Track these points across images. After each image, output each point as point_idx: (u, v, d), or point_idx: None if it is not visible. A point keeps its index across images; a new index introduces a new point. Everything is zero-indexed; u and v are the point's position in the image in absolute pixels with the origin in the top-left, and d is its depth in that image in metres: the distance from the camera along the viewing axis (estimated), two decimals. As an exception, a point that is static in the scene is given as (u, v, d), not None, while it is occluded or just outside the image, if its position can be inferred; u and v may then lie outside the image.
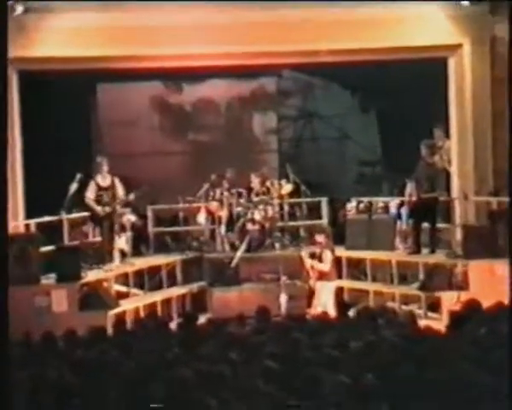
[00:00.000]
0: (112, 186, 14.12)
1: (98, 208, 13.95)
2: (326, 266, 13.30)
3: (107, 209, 13.98)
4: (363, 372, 6.17)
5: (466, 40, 15.13)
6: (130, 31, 14.49)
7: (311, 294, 13.64)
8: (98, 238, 14.44)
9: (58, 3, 14.25)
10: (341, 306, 10.45)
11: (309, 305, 13.57)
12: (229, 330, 8.67)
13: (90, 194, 13.99)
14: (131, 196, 14.38)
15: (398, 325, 8.47)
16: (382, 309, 10.20)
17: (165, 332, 9.14)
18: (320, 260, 13.36)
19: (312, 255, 13.57)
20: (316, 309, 12.79)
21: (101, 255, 14.06)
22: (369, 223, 15.34)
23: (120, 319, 12.60)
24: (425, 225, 14.30)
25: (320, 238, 13.56)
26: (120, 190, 14.19)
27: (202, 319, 11.29)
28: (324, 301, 13.13)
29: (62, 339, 8.68)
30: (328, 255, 13.40)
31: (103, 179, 14.14)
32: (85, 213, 14.57)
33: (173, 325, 11.26)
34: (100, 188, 14.05)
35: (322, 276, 13.33)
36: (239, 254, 14.93)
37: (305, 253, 13.64)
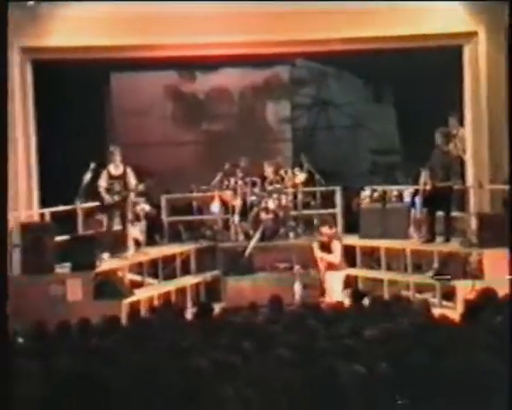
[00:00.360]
0: (123, 175, 14.11)
1: (107, 197, 13.95)
2: (336, 257, 13.33)
3: (116, 198, 13.97)
4: (378, 361, 6.16)
5: (481, 28, 15.06)
6: (143, 20, 14.48)
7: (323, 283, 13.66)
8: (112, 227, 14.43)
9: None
10: (356, 294, 10.37)
11: (322, 294, 13.59)
12: (243, 320, 8.65)
13: (102, 182, 14.00)
14: (141, 186, 14.37)
15: (412, 314, 8.44)
16: (397, 298, 10.19)
17: (181, 321, 9.14)
18: (329, 250, 13.38)
19: (322, 245, 13.58)
20: (329, 298, 12.81)
21: (110, 244, 14.07)
22: (383, 212, 15.31)
23: (135, 307, 12.63)
24: (439, 213, 14.26)
25: (325, 230, 13.60)
26: (132, 180, 14.18)
27: (216, 309, 11.30)
28: (334, 291, 13.15)
29: (77, 328, 8.69)
30: (336, 246, 13.42)
31: (115, 168, 14.14)
32: (98, 203, 14.58)
33: (188, 314, 11.30)
34: (111, 177, 14.06)
35: (331, 266, 13.36)
36: (253, 243, 14.92)
37: (315, 244, 13.62)
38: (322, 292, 13.56)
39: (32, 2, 13.99)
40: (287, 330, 7.73)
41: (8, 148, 13.54)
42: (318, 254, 13.45)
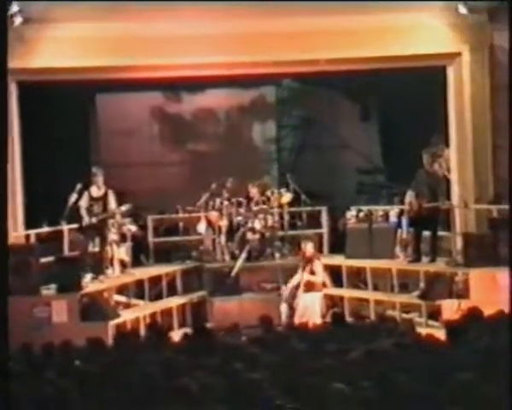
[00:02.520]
0: (104, 197, 14.08)
1: (86, 218, 13.92)
2: (318, 278, 13.43)
3: (94, 220, 13.93)
4: (362, 380, 6.16)
5: (465, 48, 15.13)
6: (129, 41, 14.49)
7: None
8: (97, 249, 14.38)
9: (57, 13, 14.24)
10: (336, 317, 10.41)
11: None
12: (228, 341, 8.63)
13: (83, 203, 13.98)
14: (119, 210, 14.33)
15: (397, 334, 8.44)
16: (382, 318, 10.20)
17: (166, 343, 9.11)
18: (311, 271, 13.46)
19: (303, 265, 13.66)
20: (301, 319, 12.77)
21: (91, 265, 14.02)
22: (370, 232, 15.33)
23: (121, 329, 12.59)
24: (425, 233, 14.29)
25: (309, 247, 13.68)
26: (112, 202, 14.12)
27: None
28: (313, 312, 13.17)
29: (60, 351, 8.65)
30: (318, 266, 13.50)
31: (97, 190, 14.11)
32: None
33: (175, 335, 11.25)
34: (92, 198, 14.03)
35: (310, 287, 13.42)
36: (239, 263, 14.91)
37: (306, 275, 13.68)
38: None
39: (17, 24, 13.98)
40: (272, 350, 7.72)
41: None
42: (304, 276, 13.53)
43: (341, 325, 9.51)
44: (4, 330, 6.79)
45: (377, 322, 9.35)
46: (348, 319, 12.47)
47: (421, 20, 14.83)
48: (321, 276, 13.52)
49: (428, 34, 14.89)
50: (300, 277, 13.61)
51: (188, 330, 10.55)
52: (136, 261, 15.60)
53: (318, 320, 12.63)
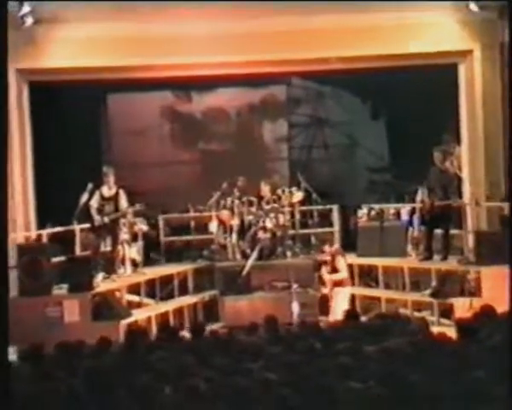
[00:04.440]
0: (115, 197, 14.08)
1: (97, 217, 13.93)
2: (343, 274, 13.48)
3: (106, 219, 13.93)
4: (376, 379, 6.15)
5: (476, 46, 15.11)
6: (139, 41, 14.52)
7: (323, 301, 13.67)
8: (108, 248, 14.40)
9: (68, 14, 14.28)
10: (350, 315, 10.36)
11: (321, 312, 13.60)
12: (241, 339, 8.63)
13: (94, 203, 13.98)
14: (130, 209, 14.34)
15: (410, 333, 8.42)
16: (395, 316, 10.17)
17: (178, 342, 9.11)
18: (333, 268, 13.47)
19: (324, 263, 13.66)
20: (334, 316, 12.79)
21: (103, 265, 14.04)
22: (381, 230, 15.30)
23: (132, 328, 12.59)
24: (436, 231, 14.26)
25: (326, 247, 13.73)
26: (123, 202, 14.12)
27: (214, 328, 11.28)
28: (340, 308, 13.13)
29: (74, 350, 8.65)
30: (341, 262, 13.53)
31: (108, 190, 14.12)
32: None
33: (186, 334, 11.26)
34: (103, 198, 14.04)
35: (337, 283, 13.47)
36: (250, 262, 14.91)
37: (323, 269, 13.68)
38: (322, 311, 13.58)
39: (28, 25, 14.01)
40: (285, 349, 7.72)
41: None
42: (327, 277, 13.58)
43: (354, 322, 9.48)
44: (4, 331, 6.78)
45: (390, 320, 9.31)
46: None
47: (433, 18, 14.82)
48: (344, 271, 13.59)
49: (440, 32, 14.87)
50: (325, 277, 13.69)
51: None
52: (148, 261, 15.61)
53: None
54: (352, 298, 14.65)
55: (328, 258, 13.73)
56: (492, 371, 6.18)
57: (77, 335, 10.31)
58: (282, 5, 14.23)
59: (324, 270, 13.77)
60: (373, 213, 15.98)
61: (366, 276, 15.29)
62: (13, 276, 13.19)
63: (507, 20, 14.32)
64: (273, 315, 9.71)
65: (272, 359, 7.27)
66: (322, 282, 14.04)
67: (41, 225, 14.84)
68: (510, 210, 12.34)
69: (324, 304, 13.95)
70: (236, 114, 19.57)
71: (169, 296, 14.92)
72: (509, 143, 13.07)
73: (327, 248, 13.86)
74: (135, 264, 14.92)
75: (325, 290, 13.84)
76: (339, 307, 13.12)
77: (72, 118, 16.64)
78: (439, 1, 14.48)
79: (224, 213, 15.84)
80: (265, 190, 15.93)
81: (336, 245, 13.94)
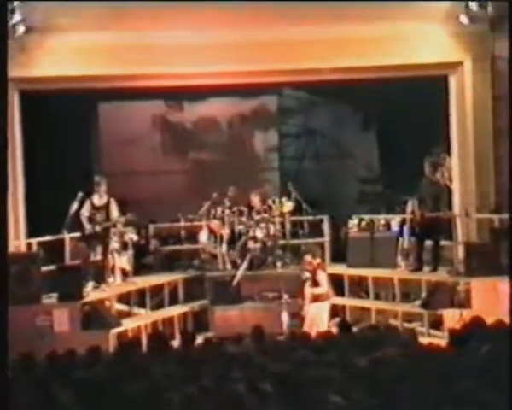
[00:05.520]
0: (106, 206, 14.08)
1: (88, 226, 13.93)
2: (323, 289, 13.42)
3: (98, 228, 13.93)
4: (366, 391, 6.16)
5: (467, 58, 15.15)
6: (131, 50, 14.51)
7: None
8: (98, 257, 14.37)
9: (59, 23, 14.27)
10: (343, 326, 10.33)
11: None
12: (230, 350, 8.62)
13: (85, 212, 13.99)
14: (121, 219, 14.34)
15: (399, 344, 8.43)
16: (385, 327, 10.19)
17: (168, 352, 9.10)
18: (314, 282, 13.44)
19: (308, 278, 13.64)
20: (310, 329, 12.69)
21: (93, 274, 14.02)
22: (371, 240, 15.32)
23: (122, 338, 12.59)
24: (427, 242, 14.28)
25: (308, 258, 13.67)
26: (115, 211, 14.13)
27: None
28: (320, 322, 13.14)
29: (63, 360, 8.63)
30: (322, 277, 13.49)
31: (99, 199, 14.13)
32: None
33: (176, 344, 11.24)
34: (94, 207, 14.04)
35: (316, 298, 13.41)
36: (240, 272, 14.91)
37: (307, 283, 13.64)
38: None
39: (19, 33, 14.00)
40: (273, 360, 7.71)
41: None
42: (308, 290, 13.53)
43: (344, 333, 9.48)
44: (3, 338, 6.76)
45: (380, 331, 9.33)
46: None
47: (423, 30, 14.85)
48: (325, 286, 13.52)
49: (430, 43, 14.91)
50: (305, 290, 13.62)
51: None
52: (138, 270, 15.59)
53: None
54: (343, 309, 14.68)
55: (310, 269, 13.66)
56: (484, 381, 6.20)
57: (66, 344, 10.30)
58: (275, 15, 14.25)
59: (307, 285, 13.70)
60: (363, 223, 16.01)
61: (356, 286, 15.29)
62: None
63: (499, 32, 14.40)
64: (260, 326, 9.69)
65: (259, 369, 7.26)
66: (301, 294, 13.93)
67: (31, 234, 14.79)
68: (510, 222, 12.35)
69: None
70: (228, 124, 19.60)
71: (159, 306, 14.91)
72: (509, 153, 13.10)
73: (309, 258, 13.74)
74: (125, 273, 14.90)
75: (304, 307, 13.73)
76: (319, 321, 13.13)
77: (63, 127, 16.62)
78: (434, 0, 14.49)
79: (215, 223, 15.85)
80: (255, 200, 15.96)
81: (318, 259, 13.82)
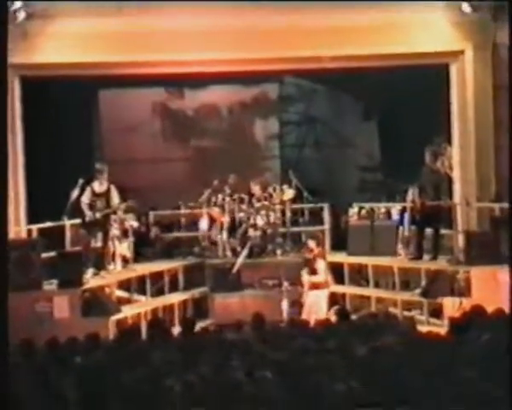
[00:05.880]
0: (107, 193, 14.07)
1: (88, 213, 13.92)
2: (321, 276, 13.40)
3: (98, 215, 13.92)
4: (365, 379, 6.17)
5: (468, 46, 15.11)
6: (131, 37, 14.49)
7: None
8: (99, 244, 14.37)
9: (60, 9, 14.25)
10: (341, 313, 10.34)
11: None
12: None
13: (85, 199, 13.98)
14: (122, 206, 14.34)
15: (398, 332, 8.45)
16: (384, 315, 10.20)
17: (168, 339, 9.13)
18: (313, 269, 13.42)
19: (307, 264, 13.62)
20: (308, 317, 12.71)
21: (93, 260, 14.03)
22: (371, 229, 15.32)
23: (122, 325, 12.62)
24: (427, 230, 14.29)
25: (312, 244, 13.64)
26: (115, 198, 14.11)
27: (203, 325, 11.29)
28: (318, 309, 13.14)
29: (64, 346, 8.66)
30: (321, 265, 13.46)
31: (100, 186, 14.10)
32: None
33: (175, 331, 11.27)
34: (95, 194, 14.03)
35: (315, 285, 13.39)
36: (240, 259, 14.92)
37: (304, 270, 13.63)
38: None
39: (20, 20, 13.98)
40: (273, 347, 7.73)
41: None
42: (306, 278, 13.51)
43: (343, 321, 9.50)
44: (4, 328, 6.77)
45: (379, 319, 9.35)
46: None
47: (425, 18, 14.81)
48: (323, 274, 13.49)
49: (432, 32, 14.87)
50: (303, 276, 13.60)
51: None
52: (138, 257, 15.59)
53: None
54: (343, 297, 14.69)
55: (310, 257, 13.67)
56: (483, 370, 6.21)
57: (66, 331, 10.33)
58: (276, 3, 14.23)
59: (304, 272, 13.69)
60: (363, 212, 16.01)
61: (356, 275, 15.31)
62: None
63: (501, 21, 14.36)
64: (260, 313, 9.72)
65: (259, 356, 7.28)
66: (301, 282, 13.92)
67: (31, 220, 14.80)
68: (510, 211, 12.32)
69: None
70: (228, 111, 19.59)
71: (159, 293, 14.93)
72: (509, 143, 13.06)
73: (313, 244, 13.73)
74: (125, 260, 14.91)
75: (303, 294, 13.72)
76: (318, 309, 13.13)
77: (64, 113, 16.62)
78: (431, 1, 14.49)
79: (215, 211, 15.85)
80: (255, 189, 15.96)
81: (320, 248, 13.81)
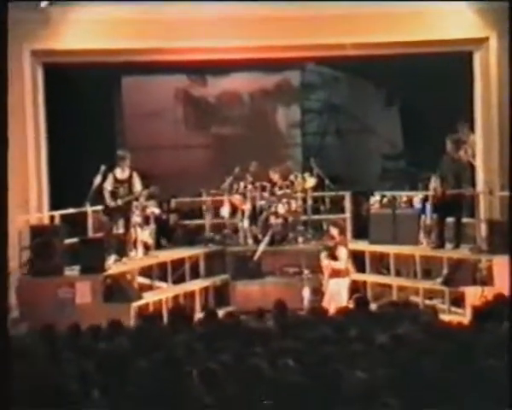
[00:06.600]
0: (129, 180, 14.06)
1: (110, 200, 13.93)
2: (341, 263, 13.25)
3: (120, 202, 13.92)
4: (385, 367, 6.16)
5: (492, 34, 15.02)
6: (154, 23, 14.51)
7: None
8: (121, 231, 14.40)
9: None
10: (360, 302, 10.27)
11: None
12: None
13: (107, 185, 13.97)
14: (144, 193, 14.36)
15: (420, 320, 8.43)
16: (406, 304, 10.18)
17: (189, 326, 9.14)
18: (334, 256, 13.29)
19: (328, 251, 13.52)
20: (328, 305, 12.62)
21: (115, 247, 14.06)
22: (393, 217, 15.26)
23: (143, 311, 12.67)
24: (449, 219, 14.23)
25: (334, 232, 13.53)
26: (137, 185, 14.08)
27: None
28: (339, 297, 13.07)
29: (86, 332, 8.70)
30: (342, 252, 13.33)
31: (122, 172, 14.08)
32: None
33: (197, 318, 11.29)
34: (117, 181, 14.03)
35: (336, 273, 13.27)
36: (262, 247, 14.93)
37: (323, 253, 13.54)
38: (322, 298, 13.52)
39: (43, 5, 14.01)
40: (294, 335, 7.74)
41: (19, 150, 13.66)
42: (324, 261, 13.39)
43: (364, 310, 9.48)
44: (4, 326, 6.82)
45: (400, 308, 9.32)
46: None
47: (448, 6, 14.74)
48: (344, 262, 13.37)
49: (455, 19, 14.80)
50: (323, 262, 13.49)
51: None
52: (160, 244, 15.63)
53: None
54: (364, 285, 14.65)
55: (332, 244, 13.56)
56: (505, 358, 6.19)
57: (88, 316, 10.39)
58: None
59: (324, 255, 13.53)
60: (385, 200, 15.95)
61: (378, 263, 15.28)
62: (25, 256, 13.30)
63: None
64: (282, 300, 9.70)
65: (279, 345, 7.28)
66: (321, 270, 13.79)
67: (54, 206, 14.87)
68: (510, 201, 12.28)
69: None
70: (250, 98, 19.57)
71: (180, 280, 14.96)
72: (509, 142, 13.01)
73: (335, 232, 13.60)
74: (147, 247, 14.95)
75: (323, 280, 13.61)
76: (339, 297, 13.05)
77: (87, 100, 16.65)
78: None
79: (237, 198, 15.86)
80: (275, 177, 15.95)
81: (342, 235, 13.66)
